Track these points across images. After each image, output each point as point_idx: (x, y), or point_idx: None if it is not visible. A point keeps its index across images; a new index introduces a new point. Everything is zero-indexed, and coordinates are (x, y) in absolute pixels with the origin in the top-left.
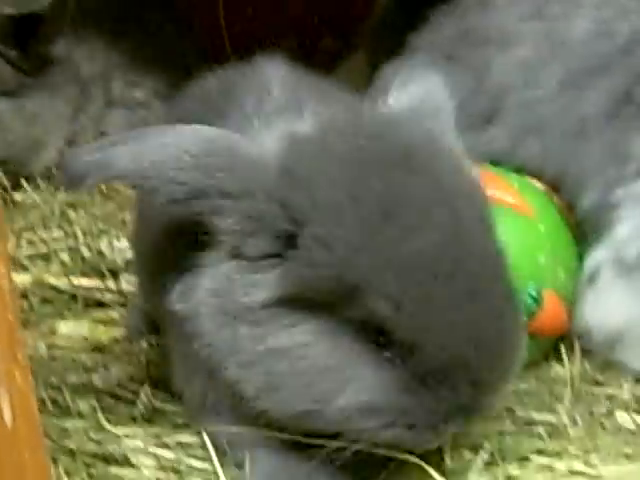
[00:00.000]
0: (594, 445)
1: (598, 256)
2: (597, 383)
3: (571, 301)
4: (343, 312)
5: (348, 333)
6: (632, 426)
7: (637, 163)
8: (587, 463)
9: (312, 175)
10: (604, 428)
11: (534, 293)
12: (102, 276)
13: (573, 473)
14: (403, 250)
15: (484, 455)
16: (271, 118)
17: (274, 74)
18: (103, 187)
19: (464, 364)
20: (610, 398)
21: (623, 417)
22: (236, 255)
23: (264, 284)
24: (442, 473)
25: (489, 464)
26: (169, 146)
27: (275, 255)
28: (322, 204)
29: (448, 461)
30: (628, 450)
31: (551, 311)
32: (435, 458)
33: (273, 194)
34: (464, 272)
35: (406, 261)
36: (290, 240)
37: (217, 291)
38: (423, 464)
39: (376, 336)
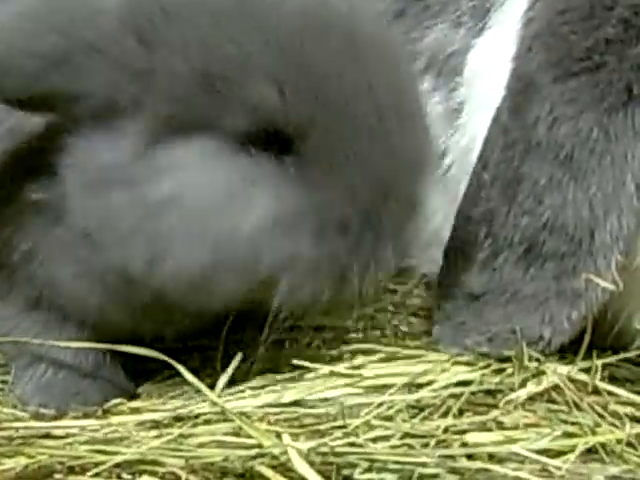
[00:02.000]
0: None
1: None
2: None
3: None
4: (224, 125)
5: (236, 152)
6: None
7: (425, 59)
8: None
9: None
10: None
11: None
12: None
13: None
14: (266, 23)
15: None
16: None
17: None
18: None
19: (360, 149)
20: None
21: None
22: (97, 116)
23: (128, 133)
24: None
25: None
26: (6, 15)
27: (137, 102)
28: (170, 11)
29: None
30: None
31: None
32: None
33: (127, 25)
34: (339, 32)
35: (274, 31)
36: (148, 78)
37: (79, 161)
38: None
39: (266, 144)
